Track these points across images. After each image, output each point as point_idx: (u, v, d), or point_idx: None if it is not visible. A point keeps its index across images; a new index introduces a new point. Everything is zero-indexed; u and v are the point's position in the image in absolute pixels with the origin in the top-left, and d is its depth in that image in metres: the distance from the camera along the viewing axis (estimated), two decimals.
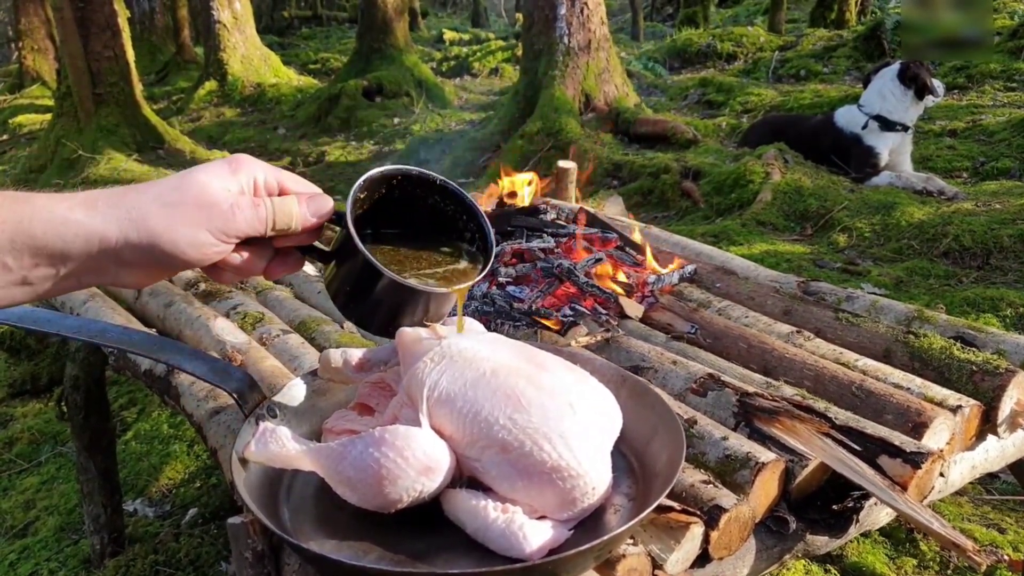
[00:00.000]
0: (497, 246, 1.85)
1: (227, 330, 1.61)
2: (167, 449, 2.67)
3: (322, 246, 0.95)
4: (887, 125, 4.66)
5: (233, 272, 0.88)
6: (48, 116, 8.84)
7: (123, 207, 0.78)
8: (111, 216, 0.77)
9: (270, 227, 0.85)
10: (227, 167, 0.84)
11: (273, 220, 0.85)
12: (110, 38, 7.06)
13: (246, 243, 0.86)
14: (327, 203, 0.89)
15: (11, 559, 2.25)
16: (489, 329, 1.50)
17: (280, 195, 0.88)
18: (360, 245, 0.87)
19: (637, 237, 1.98)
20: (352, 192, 0.90)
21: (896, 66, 4.72)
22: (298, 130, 8.76)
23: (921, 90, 4.55)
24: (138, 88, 7.53)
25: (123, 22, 7.20)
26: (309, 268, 2.06)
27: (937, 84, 4.62)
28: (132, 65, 7.34)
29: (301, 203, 0.88)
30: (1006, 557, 1.87)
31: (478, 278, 0.97)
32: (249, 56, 10.45)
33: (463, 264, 1.00)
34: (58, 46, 7.77)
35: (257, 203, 0.84)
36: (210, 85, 10.25)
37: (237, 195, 0.83)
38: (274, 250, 0.91)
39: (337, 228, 0.93)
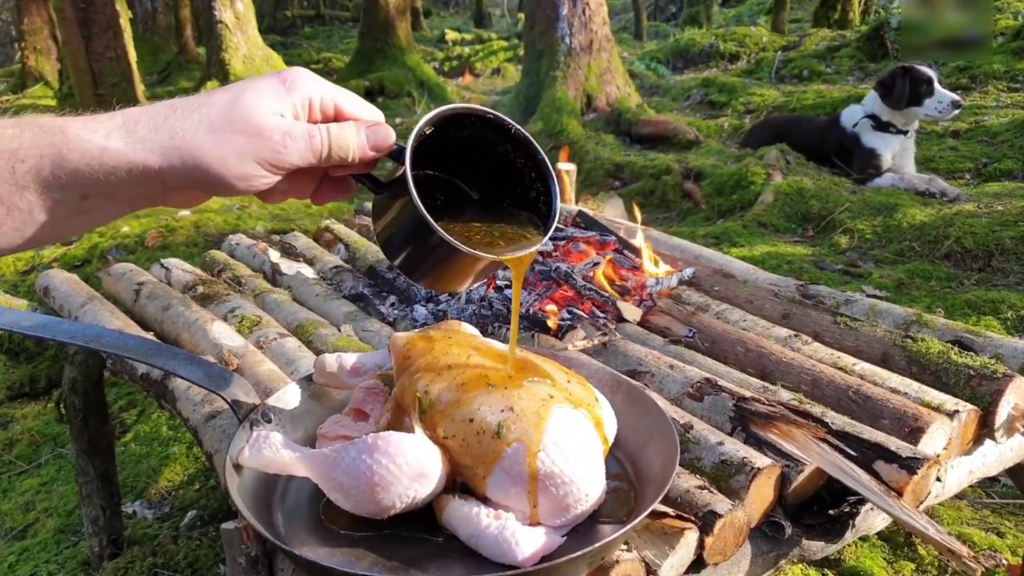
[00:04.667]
0: None
1: (224, 334, 1.61)
2: (166, 451, 2.67)
3: (376, 175, 0.89)
4: (880, 125, 4.65)
5: (281, 195, 0.84)
6: None
7: (166, 131, 0.73)
8: (153, 142, 0.73)
9: (324, 158, 0.79)
10: (282, 86, 0.78)
11: (328, 151, 0.79)
12: (112, 38, 7.06)
13: (298, 169, 0.80)
14: (389, 134, 0.83)
15: (10, 561, 2.26)
16: (486, 333, 1.50)
17: (337, 119, 0.81)
18: (414, 193, 0.79)
19: (640, 240, 1.98)
20: (418, 126, 0.83)
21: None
22: None
23: (916, 95, 4.51)
24: (140, 88, 7.53)
25: (125, 22, 7.20)
26: (308, 271, 2.06)
27: (943, 99, 4.49)
28: (134, 65, 7.34)
29: (360, 131, 0.81)
30: (1004, 561, 1.87)
31: (531, 249, 0.89)
32: (251, 56, 10.45)
33: (522, 229, 0.92)
34: (60, 46, 7.78)
35: (312, 133, 0.78)
36: (212, 85, 10.24)
37: (290, 123, 0.77)
38: (325, 174, 0.86)
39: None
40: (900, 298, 3.20)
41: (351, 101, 0.82)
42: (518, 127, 0.90)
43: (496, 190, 0.95)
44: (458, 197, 0.96)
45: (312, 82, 0.80)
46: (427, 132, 0.85)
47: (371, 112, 0.84)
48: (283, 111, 0.77)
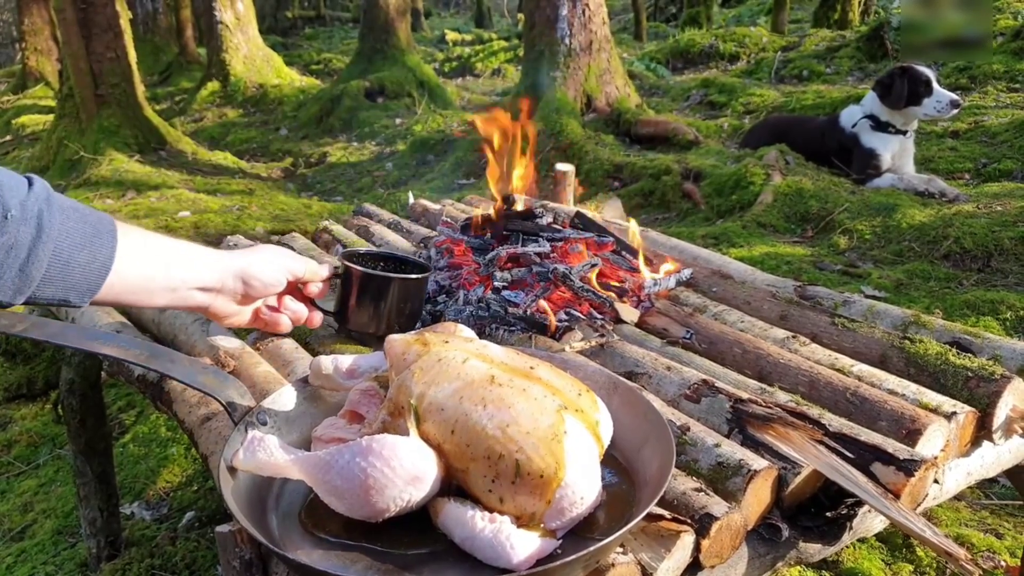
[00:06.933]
0: (492, 251, 1.85)
1: (221, 335, 1.60)
2: (165, 452, 2.66)
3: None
4: (879, 125, 4.63)
5: (291, 315, 1.25)
6: (51, 117, 8.84)
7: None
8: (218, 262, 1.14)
9: (307, 270, 1.24)
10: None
11: (306, 267, 1.24)
12: (112, 39, 7.05)
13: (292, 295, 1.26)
14: (327, 267, 1.29)
15: (8, 562, 2.25)
16: (483, 334, 1.50)
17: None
18: (353, 266, 1.31)
19: (635, 240, 1.98)
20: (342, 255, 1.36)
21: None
22: (300, 131, 8.76)
23: (915, 95, 4.49)
24: (140, 89, 7.52)
25: (125, 23, 7.19)
26: None
27: (942, 99, 4.46)
28: (134, 66, 7.33)
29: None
30: (1003, 563, 1.86)
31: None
32: (252, 57, 10.45)
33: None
34: (61, 47, 7.77)
35: (298, 256, 1.24)
36: (212, 86, 10.25)
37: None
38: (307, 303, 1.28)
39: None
40: (899, 298, 3.19)
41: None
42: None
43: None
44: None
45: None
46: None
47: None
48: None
